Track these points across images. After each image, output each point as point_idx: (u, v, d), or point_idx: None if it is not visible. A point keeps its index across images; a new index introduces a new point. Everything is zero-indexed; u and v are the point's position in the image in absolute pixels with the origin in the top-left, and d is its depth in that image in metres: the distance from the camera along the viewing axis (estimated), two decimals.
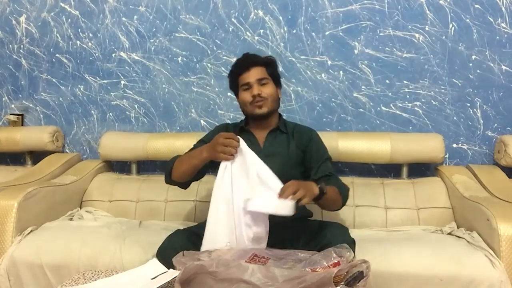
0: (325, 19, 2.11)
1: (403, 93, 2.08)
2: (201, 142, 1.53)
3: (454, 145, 2.06)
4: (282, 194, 1.15)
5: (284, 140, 1.52)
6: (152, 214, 1.99)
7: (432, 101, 2.06)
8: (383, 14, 2.06)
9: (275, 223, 1.23)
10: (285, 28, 2.15)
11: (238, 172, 1.23)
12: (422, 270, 1.36)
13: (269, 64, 1.52)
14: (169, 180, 1.45)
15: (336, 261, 1.03)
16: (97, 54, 2.35)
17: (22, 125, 2.47)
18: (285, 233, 1.33)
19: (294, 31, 2.14)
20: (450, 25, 2.02)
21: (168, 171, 1.44)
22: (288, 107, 2.16)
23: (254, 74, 1.47)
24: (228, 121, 2.21)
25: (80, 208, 2.05)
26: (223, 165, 1.25)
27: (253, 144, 1.50)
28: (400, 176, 2.01)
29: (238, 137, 1.26)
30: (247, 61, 1.50)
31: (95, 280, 1.17)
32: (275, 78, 1.54)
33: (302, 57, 2.14)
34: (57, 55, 2.41)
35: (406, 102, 2.08)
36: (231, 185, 1.22)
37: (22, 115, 2.48)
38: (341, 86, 2.12)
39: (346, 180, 1.96)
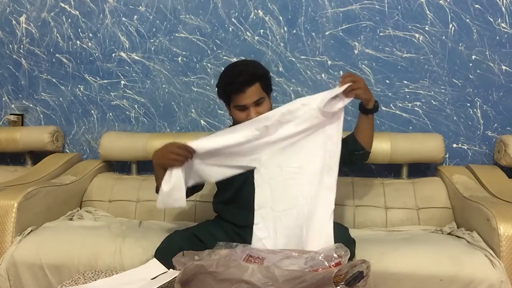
0: (325, 19, 2.11)
1: (403, 93, 2.08)
2: None
3: (454, 145, 2.06)
4: (343, 80, 1.30)
5: None
6: (152, 214, 1.99)
7: (432, 101, 2.06)
8: (383, 14, 2.06)
9: None
10: (285, 28, 2.15)
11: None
12: (422, 270, 1.36)
13: (263, 78, 1.39)
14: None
15: (338, 261, 1.03)
16: (97, 54, 2.35)
17: (22, 125, 2.47)
18: None
19: (294, 31, 2.14)
20: (450, 25, 2.02)
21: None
22: None
23: (250, 96, 1.34)
24: (228, 121, 2.22)
25: (80, 208, 2.05)
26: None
27: None
28: (400, 176, 2.01)
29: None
30: (241, 81, 1.34)
31: (95, 280, 1.17)
32: (268, 89, 1.44)
33: (302, 57, 2.14)
34: (57, 55, 2.41)
35: (406, 102, 2.08)
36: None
37: (22, 115, 2.47)
38: None
39: (346, 180, 1.97)
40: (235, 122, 1.45)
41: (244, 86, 1.34)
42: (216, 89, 1.45)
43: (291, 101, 1.36)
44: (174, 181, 1.27)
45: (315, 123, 1.33)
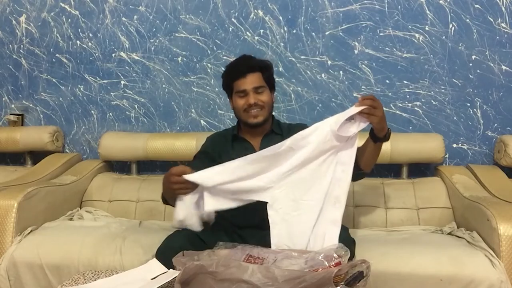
0: (325, 19, 2.11)
1: (403, 93, 2.08)
2: (201, 154, 1.52)
3: (454, 145, 2.06)
4: (362, 102, 1.20)
5: (279, 141, 1.49)
6: (152, 214, 1.99)
7: (432, 101, 2.06)
8: (383, 14, 2.06)
9: None
10: (285, 28, 2.15)
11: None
12: (422, 270, 1.36)
13: (265, 69, 1.46)
14: (164, 202, 1.43)
15: (338, 261, 1.03)
16: (97, 54, 2.35)
17: (22, 125, 2.47)
18: None
19: (294, 31, 2.14)
20: (450, 25, 2.02)
21: (166, 203, 1.42)
22: (288, 107, 2.16)
23: (250, 81, 1.41)
24: (228, 121, 2.22)
25: (80, 208, 2.06)
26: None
27: (248, 151, 1.46)
28: (400, 176, 2.01)
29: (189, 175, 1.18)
30: (243, 66, 1.43)
31: (95, 280, 1.17)
32: (271, 83, 1.49)
33: (302, 57, 2.14)
34: (57, 55, 2.41)
35: (406, 102, 2.08)
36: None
37: (22, 115, 2.48)
38: (341, 86, 2.12)
39: None
40: (236, 111, 1.49)
41: (246, 72, 1.41)
42: (222, 80, 1.51)
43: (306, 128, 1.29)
44: (185, 211, 1.20)
45: (328, 149, 1.24)
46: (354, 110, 1.22)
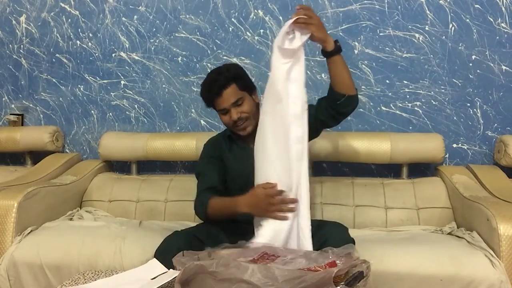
0: (325, 19, 2.11)
1: (403, 93, 2.08)
2: (211, 159, 1.54)
3: (454, 145, 2.06)
4: (297, 12, 1.26)
5: None
6: (152, 214, 1.99)
7: (432, 101, 2.06)
8: (383, 14, 2.06)
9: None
10: None
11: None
12: (422, 270, 1.36)
13: (238, 77, 1.44)
14: (204, 219, 1.48)
15: (332, 261, 1.03)
16: (97, 54, 2.35)
17: (22, 125, 2.47)
18: None
19: None
20: (450, 25, 2.02)
21: (201, 211, 1.45)
22: None
23: (227, 98, 1.41)
24: None
25: (80, 208, 2.06)
26: None
27: (245, 151, 1.48)
28: (400, 176, 2.01)
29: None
30: (215, 87, 1.41)
31: (95, 280, 1.17)
32: (248, 87, 1.47)
33: None
34: (57, 55, 2.41)
35: (406, 102, 2.08)
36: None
37: (22, 115, 2.48)
38: None
39: (346, 180, 1.98)
40: (225, 125, 1.52)
41: (220, 90, 1.41)
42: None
43: None
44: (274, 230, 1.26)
45: (283, 67, 1.29)
46: (290, 21, 1.28)
